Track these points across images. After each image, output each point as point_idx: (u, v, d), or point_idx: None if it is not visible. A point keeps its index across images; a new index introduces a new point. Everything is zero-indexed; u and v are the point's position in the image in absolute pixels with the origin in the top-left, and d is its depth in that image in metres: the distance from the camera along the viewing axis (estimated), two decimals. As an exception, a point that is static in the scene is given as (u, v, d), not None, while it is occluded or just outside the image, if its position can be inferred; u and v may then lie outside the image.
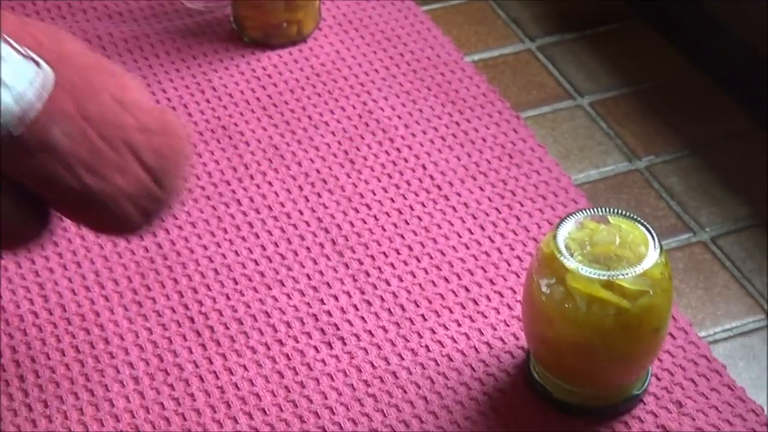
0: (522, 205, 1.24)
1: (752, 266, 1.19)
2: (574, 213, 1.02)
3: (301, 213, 1.22)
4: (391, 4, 1.49)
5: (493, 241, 1.20)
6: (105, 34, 1.43)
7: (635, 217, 1.02)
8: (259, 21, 1.41)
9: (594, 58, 1.43)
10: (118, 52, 1.40)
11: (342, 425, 1.03)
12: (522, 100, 1.37)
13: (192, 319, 1.12)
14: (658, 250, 0.99)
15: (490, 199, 1.24)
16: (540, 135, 1.33)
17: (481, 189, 1.25)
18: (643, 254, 0.99)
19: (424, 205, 1.23)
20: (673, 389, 1.06)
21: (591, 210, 1.02)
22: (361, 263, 1.17)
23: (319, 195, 1.24)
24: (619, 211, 1.02)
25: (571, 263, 0.98)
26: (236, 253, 1.18)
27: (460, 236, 1.20)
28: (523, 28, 1.48)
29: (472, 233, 1.20)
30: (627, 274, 0.98)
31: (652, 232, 1.01)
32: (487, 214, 1.22)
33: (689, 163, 1.30)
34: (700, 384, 1.07)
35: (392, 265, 1.17)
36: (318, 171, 1.27)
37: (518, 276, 1.16)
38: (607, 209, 1.02)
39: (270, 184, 1.25)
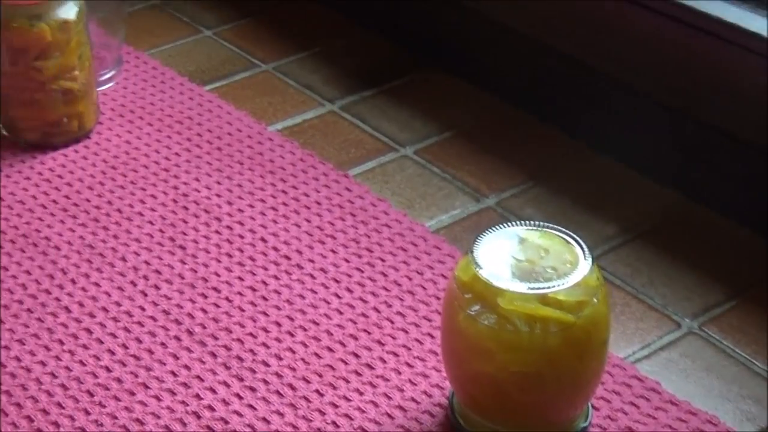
0: (383, 260, 1.11)
1: (643, 280, 1.10)
2: (484, 233, 0.91)
3: (143, 309, 1.05)
4: (170, 88, 1.36)
5: (366, 302, 1.07)
6: None
7: (550, 226, 0.92)
8: (35, 120, 1.24)
9: (400, 109, 1.34)
10: None
11: None
12: (344, 160, 1.26)
13: (50, 446, 0.93)
14: (589, 257, 0.89)
15: (347, 261, 1.11)
16: (375, 190, 1.21)
17: (334, 252, 1.12)
18: (571, 263, 0.89)
19: (278, 278, 1.09)
20: (616, 416, 0.96)
21: (499, 227, 0.92)
22: (229, 349, 1.02)
23: (157, 287, 1.08)
24: (531, 224, 0.92)
25: (501, 283, 0.87)
26: (82, 363, 1.00)
27: (328, 303, 1.07)
28: (318, 93, 1.37)
29: (340, 297, 1.07)
30: (563, 284, 0.87)
31: (576, 238, 0.91)
32: (350, 276, 1.10)
33: (538, 192, 1.22)
34: (642, 406, 0.97)
35: (265, 344, 1.02)
36: (148, 263, 1.11)
37: (406, 332, 1.03)
38: (517, 222, 0.92)
39: (97, 285, 1.08)
